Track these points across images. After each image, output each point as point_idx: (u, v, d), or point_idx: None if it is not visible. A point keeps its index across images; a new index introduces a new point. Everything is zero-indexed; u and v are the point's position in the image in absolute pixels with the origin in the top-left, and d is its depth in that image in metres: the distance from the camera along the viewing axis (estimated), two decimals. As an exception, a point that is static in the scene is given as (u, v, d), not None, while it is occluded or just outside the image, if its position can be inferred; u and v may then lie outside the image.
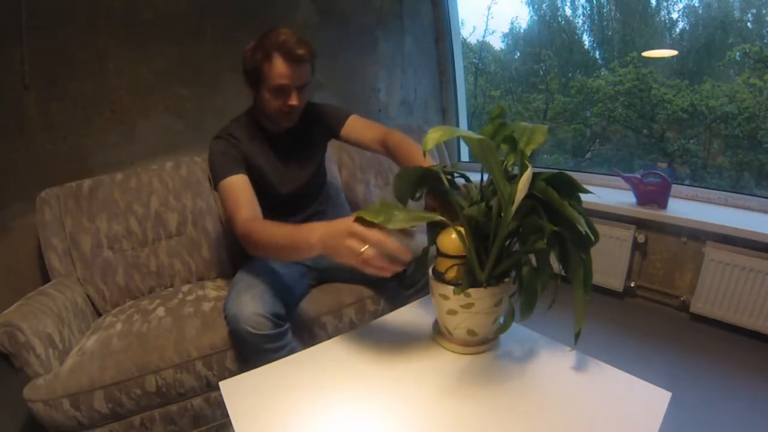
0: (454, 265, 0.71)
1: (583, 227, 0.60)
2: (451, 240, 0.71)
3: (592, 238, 0.63)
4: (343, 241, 0.69)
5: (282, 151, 1.23)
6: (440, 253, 0.72)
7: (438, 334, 0.80)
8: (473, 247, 0.67)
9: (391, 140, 1.15)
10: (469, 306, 0.70)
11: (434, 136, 0.58)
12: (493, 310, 0.71)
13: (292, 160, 1.25)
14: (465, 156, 2.68)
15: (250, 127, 1.19)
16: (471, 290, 0.68)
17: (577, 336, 0.69)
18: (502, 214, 0.64)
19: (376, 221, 0.66)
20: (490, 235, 0.67)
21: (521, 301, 0.70)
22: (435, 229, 0.77)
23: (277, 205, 1.21)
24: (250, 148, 1.16)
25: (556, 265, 0.69)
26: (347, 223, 0.71)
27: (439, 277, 0.72)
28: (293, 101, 1.08)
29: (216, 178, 1.10)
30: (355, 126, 1.25)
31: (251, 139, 1.18)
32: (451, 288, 0.69)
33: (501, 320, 0.74)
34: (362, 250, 0.68)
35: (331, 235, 0.73)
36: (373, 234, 0.68)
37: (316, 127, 1.26)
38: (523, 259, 0.69)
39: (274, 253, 0.91)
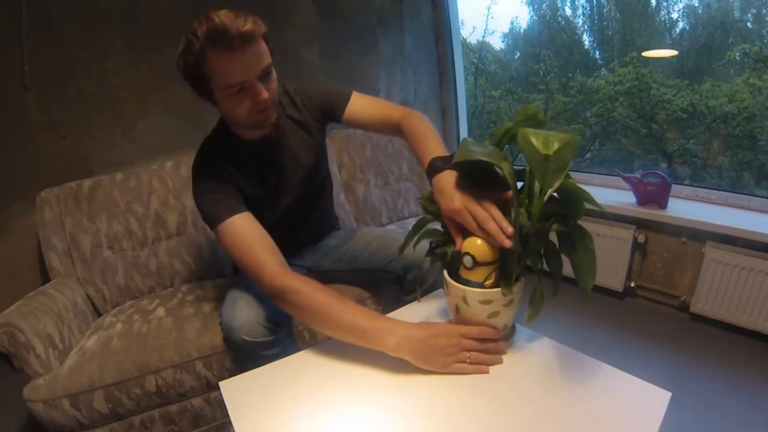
0: (492, 271, 0.70)
1: (593, 202, 0.62)
2: (487, 246, 0.69)
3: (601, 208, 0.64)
4: (445, 359, 0.70)
5: (271, 160, 1.03)
6: (478, 263, 0.69)
7: None
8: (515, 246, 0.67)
9: (407, 127, 0.98)
10: (510, 303, 0.70)
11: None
12: (522, 299, 0.73)
13: (286, 166, 1.06)
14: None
15: (230, 148, 0.98)
16: (513, 286, 0.69)
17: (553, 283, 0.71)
18: (531, 210, 0.66)
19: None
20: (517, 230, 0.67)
21: (529, 305, 0.71)
22: (436, 237, 0.78)
23: (274, 223, 1.01)
24: (241, 177, 0.97)
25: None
26: (449, 333, 0.71)
27: (480, 285, 0.70)
28: (263, 95, 0.85)
29: (213, 221, 0.90)
30: (361, 105, 1.06)
31: (238, 162, 0.97)
32: (493, 292, 0.69)
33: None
34: (468, 361, 0.71)
35: (428, 357, 0.71)
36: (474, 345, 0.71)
37: (308, 114, 1.07)
38: (540, 246, 0.71)
39: (326, 329, 0.79)
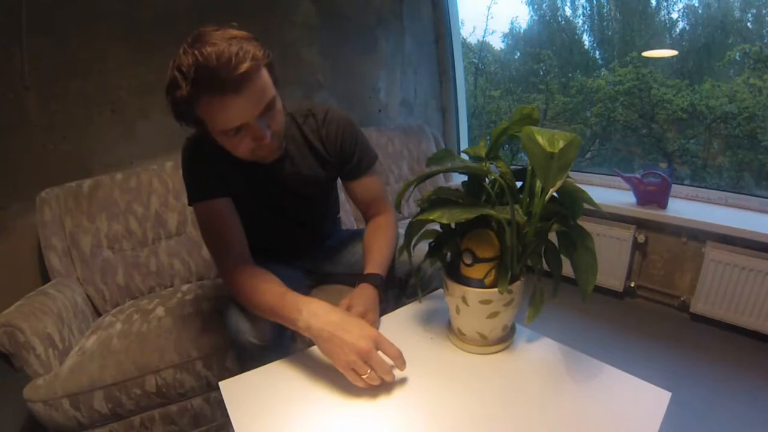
0: (492, 267, 0.70)
1: (590, 202, 0.63)
2: (487, 241, 0.69)
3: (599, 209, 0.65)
4: (347, 356, 0.65)
5: (272, 172, 0.96)
6: (478, 259, 0.69)
7: (453, 336, 0.80)
8: (513, 244, 0.67)
9: (372, 220, 1.05)
10: (510, 302, 0.70)
11: None
12: (522, 299, 0.73)
13: (281, 172, 0.98)
14: (465, 145, 2.69)
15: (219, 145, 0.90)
16: (512, 286, 0.69)
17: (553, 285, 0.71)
18: (532, 209, 0.66)
19: (434, 218, 0.65)
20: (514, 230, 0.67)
21: (528, 305, 0.71)
22: (440, 240, 0.78)
23: (260, 222, 1.02)
24: (228, 170, 0.91)
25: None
26: (358, 342, 0.65)
27: (480, 283, 0.70)
28: (265, 139, 0.79)
29: (190, 197, 0.91)
30: (368, 187, 1.05)
31: (224, 155, 0.86)
32: (492, 292, 0.69)
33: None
34: (365, 376, 0.65)
35: (330, 340, 0.67)
36: (383, 365, 0.66)
37: (331, 144, 1.00)
38: (541, 246, 0.70)
39: (253, 311, 0.84)
